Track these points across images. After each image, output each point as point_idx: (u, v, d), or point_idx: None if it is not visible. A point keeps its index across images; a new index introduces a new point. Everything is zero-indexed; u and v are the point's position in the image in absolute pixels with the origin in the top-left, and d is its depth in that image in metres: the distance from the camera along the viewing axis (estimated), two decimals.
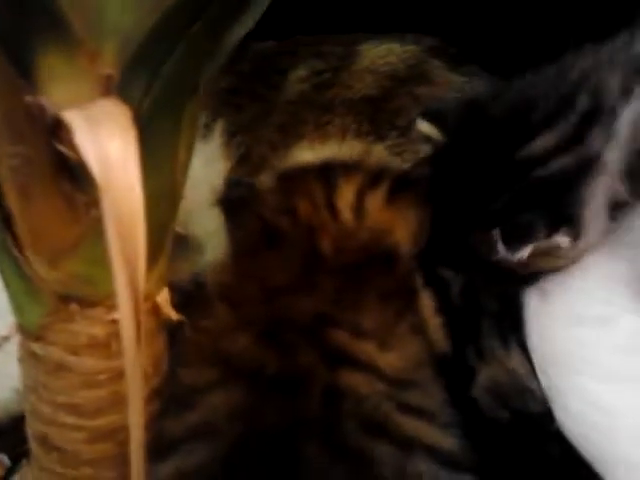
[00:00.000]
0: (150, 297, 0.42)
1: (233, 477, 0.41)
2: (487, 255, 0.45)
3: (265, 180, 0.53)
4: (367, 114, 0.60)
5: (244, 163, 0.60)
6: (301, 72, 0.63)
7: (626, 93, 0.44)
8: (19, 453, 0.63)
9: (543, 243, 0.43)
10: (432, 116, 0.50)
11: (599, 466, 0.43)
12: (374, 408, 0.41)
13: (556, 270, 0.45)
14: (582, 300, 0.44)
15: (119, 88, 0.34)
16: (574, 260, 0.45)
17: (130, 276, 0.31)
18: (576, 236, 0.43)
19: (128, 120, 0.32)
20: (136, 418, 0.35)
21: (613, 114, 0.44)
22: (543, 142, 0.45)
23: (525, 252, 0.43)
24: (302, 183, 0.51)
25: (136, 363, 0.33)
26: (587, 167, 0.44)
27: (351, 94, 0.62)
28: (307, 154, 0.58)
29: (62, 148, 0.33)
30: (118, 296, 0.32)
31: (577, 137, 0.44)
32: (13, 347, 0.63)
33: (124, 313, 0.32)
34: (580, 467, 0.44)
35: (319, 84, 0.63)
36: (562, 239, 0.43)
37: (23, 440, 0.63)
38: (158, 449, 0.40)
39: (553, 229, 0.43)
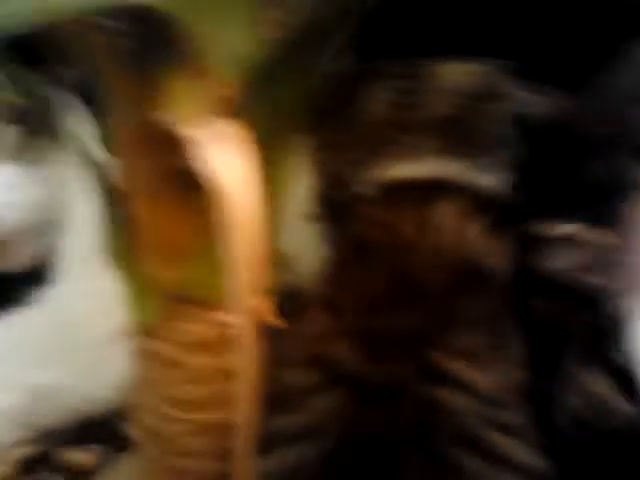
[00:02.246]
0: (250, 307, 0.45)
1: (333, 476, 0.43)
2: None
3: (364, 191, 0.55)
4: (448, 133, 0.62)
5: (329, 180, 0.62)
6: (381, 93, 0.66)
7: None
8: (112, 446, 0.68)
9: None
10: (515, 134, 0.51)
11: None
12: (466, 423, 0.43)
13: None
14: None
15: (238, 110, 0.37)
16: None
17: (244, 282, 0.34)
18: None
19: (246, 139, 0.35)
20: (245, 414, 0.38)
21: None
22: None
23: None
24: (403, 198, 0.53)
25: (249, 363, 0.36)
26: None
27: (431, 114, 0.63)
28: (396, 172, 0.60)
29: (185, 163, 0.37)
30: (234, 300, 0.35)
31: None
32: (112, 348, 0.68)
33: (239, 316, 0.35)
34: None
35: (400, 105, 0.65)
36: None
37: (116, 434, 0.68)
38: (264, 444, 0.43)
39: None
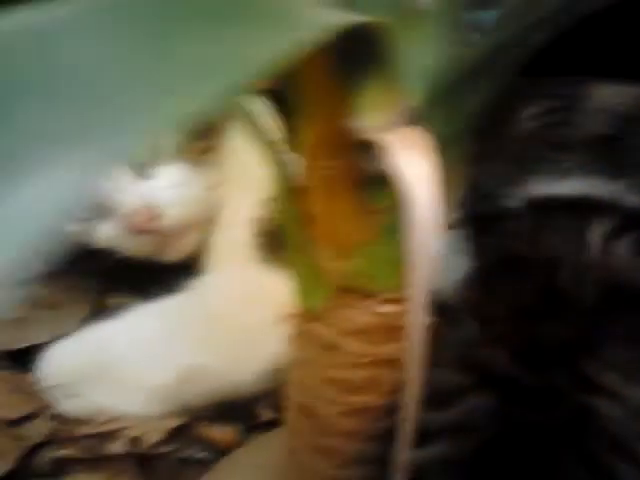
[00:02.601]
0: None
1: (483, 473, 0.46)
2: None
3: (512, 206, 0.58)
4: (601, 153, 0.64)
5: (477, 193, 0.65)
6: (533, 110, 0.68)
7: None
8: (250, 426, 0.73)
9: None
10: None
11: None
12: (621, 434, 0.45)
13: None
14: None
15: (422, 119, 0.41)
16: None
17: (421, 278, 0.38)
18: None
19: (429, 146, 0.39)
20: (411, 403, 0.41)
21: None
22: None
23: None
24: (553, 214, 0.56)
25: (417, 354, 0.39)
26: None
27: (584, 133, 0.65)
28: (546, 189, 0.62)
29: (369, 165, 0.41)
30: (411, 295, 0.38)
31: None
32: (259, 335, 0.73)
33: (412, 309, 0.38)
34: None
35: (551, 122, 0.67)
36: None
37: (255, 415, 0.73)
38: (418, 437, 0.46)
39: None
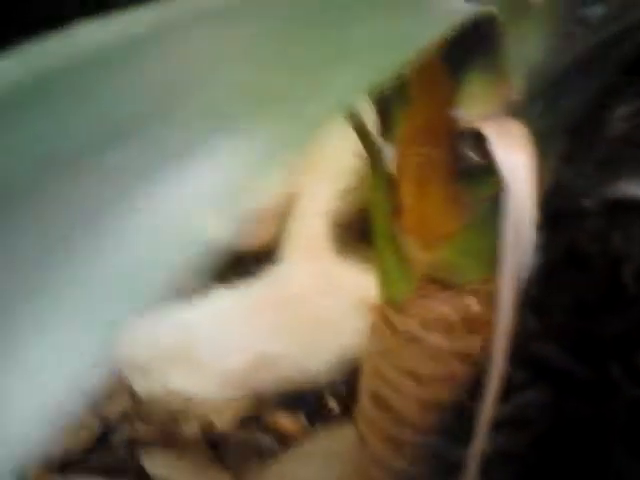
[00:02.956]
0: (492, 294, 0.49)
1: (540, 464, 0.46)
2: None
3: (591, 205, 0.57)
4: None
5: (556, 189, 0.64)
6: (626, 110, 0.67)
7: None
8: (320, 416, 0.73)
9: None
10: None
11: None
12: None
13: None
14: None
15: (519, 112, 0.41)
16: None
17: (513, 268, 0.38)
18: None
19: (527, 137, 0.39)
20: (490, 398, 0.41)
21: None
22: None
23: None
24: (626, 214, 0.55)
25: (501, 346, 0.39)
26: None
27: None
28: (626, 190, 0.61)
29: (468, 153, 0.41)
30: (500, 286, 0.38)
31: None
32: (333, 326, 0.73)
33: (502, 301, 0.38)
34: None
35: None
36: None
37: (324, 406, 0.74)
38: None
39: None
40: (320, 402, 0.74)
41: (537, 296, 0.53)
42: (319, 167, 0.82)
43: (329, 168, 0.80)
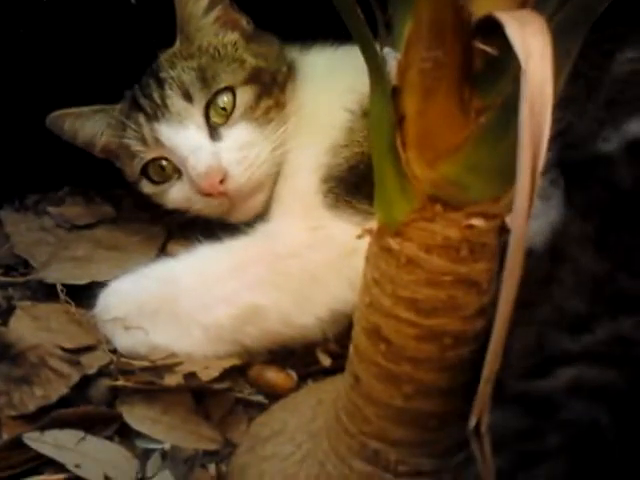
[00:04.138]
0: (499, 216, 0.47)
1: (614, 401, 0.44)
2: None
3: (606, 150, 0.55)
4: None
5: (564, 136, 0.62)
6: (630, 54, 0.65)
7: None
8: (305, 373, 0.71)
9: None
10: None
11: None
12: None
13: None
14: None
15: (535, 4, 0.39)
16: None
17: (533, 159, 0.36)
18: None
19: (545, 25, 0.37)
20: (501, 327, 0.38)
21: None
22: None
23: None
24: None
25: (516, 267, 0.37)
26: None
27: None
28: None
29: (482, 46, 0.39)
30: (519, 180, 0.36)
31: None
32: (323, 280, 0.71)
33: (521, 199, 0.36)
34: None
35: None
36: None
37: (311, 363, 0.71)
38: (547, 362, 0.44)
39: None
40: (311, 357, 0.71)
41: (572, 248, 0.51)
42: (307, 123, 0.80)
43: (317, 124, 0.78)
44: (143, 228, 0.89)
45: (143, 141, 0.81)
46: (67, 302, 0.78)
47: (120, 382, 0.69)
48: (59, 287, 0.79)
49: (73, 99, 0.86)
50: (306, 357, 0.71)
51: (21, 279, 0.83)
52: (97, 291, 0.76)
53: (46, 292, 0.80)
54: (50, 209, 0.93)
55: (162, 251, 0.86)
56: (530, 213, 0.37)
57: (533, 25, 0.36)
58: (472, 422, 0.39)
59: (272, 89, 0.81)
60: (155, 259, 0.83)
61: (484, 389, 0.40)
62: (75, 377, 0.69)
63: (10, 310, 0.78)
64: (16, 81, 0.87)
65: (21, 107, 0.88)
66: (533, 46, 0.35)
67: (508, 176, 0.44)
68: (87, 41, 0.86)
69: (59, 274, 0.81)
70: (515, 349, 0.46)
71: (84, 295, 0.78)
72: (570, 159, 0.56)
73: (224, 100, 0.78)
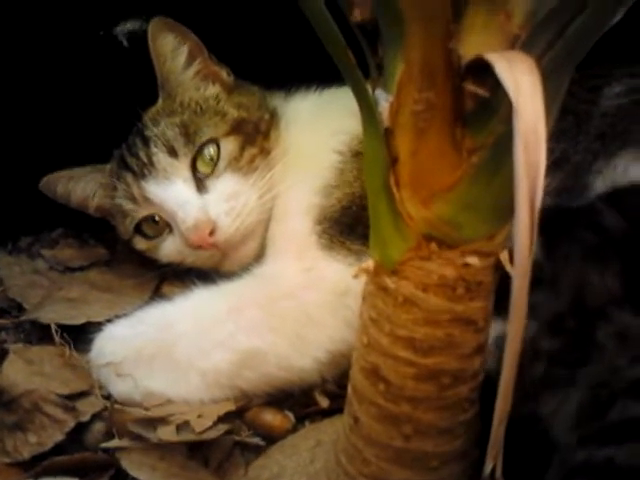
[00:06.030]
0: (494, 254, 0.47)
1: None
2: None
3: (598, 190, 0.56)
4: None
5: (559, 167, 0.63)
6: (617, 89, 0.67)
7: None
8: (303, 414, 0.70)
9: None
10: None
11: None
12: None
13: None
14: None
15: (524, 45, 0.39)
16: None
17: (530, 195, 0.36)
18: None
19: (535, 65, 0.37)
20: (510, 365, 0.38)
21: None
22: None
23: None
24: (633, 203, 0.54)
25: (521, 306, 0.36)
26: None
27: None
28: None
29: (472, 87, 0.39)
30: (517, 217, 0.36)
31: None
32: (319, 321, 0.71)
33: (521, 235, 0.36)
34: None
35: (636, 99, 0.66)
36: None
37: (309, 404, 0.71)
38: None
39: None
40: (308, 398, 0.70)
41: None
42: (295, 166, 0.80)
43: (306, 166, 0.79)
44: (137, 270, 0.88)
45: (133, 200, 0.81)
46: (62, 343, 0.78)
47: (113, 442, 0.68)
48: (53, 327, 0.78)
49: (64, 146, 0.87)
50: (304, 398, 0.71)
51: (14, 321, 0.83)
52: (91, 334, 0.76)
53: (39, 334, 0.80)
54: (43, 251, 0.93)
55: (156, 293, 0.86)
56: (532, 249, 0.37)
57: (522, 64, 0.37)
58: (488, 468, 0.39)
59: (256, 138, 0.81)
60: (149, 301, 0.82)
61: (497, 432, 0.39)
62: (70, 423, 0.68)
63: (3, 354, 0.77)
64: (8, 128, 0.88)
65: (14, 149, 0.88)
66: (523, 84, 0.36)
67: (502, 214, 0.45)
68: (77, 95, 0.87)
69: (53, 314, 0.81)
70: (565, 411, 0.46)
71: (78, 338, 0.78)
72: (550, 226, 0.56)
73: (210, 152, 0.79)
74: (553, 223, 0.54)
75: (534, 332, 0.49)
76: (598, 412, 0.45)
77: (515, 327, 0.37)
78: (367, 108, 0.45)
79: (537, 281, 0.38)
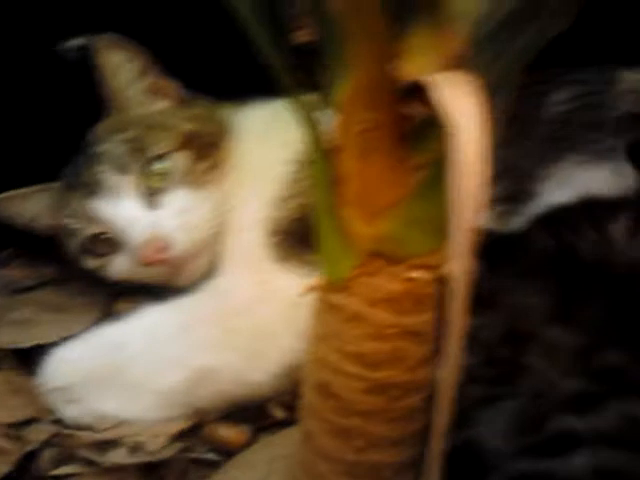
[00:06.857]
0: (440, 267, 0.48)
1: None
2: None
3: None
4: (636, 132, 0.64)
5: (507, 174, 0.64)
6: (562, 95, 0.69)
7: None
8: (259, 427, 0.70)
9: None
10: None
11: None
12: None
13: None
14: None
15: (469, 63, 0.40)
16: None
17: (465, 223, 0.37)
18: None
19: (472, 84, 0.38)
20: (449, 374, 0.39)
21: None
22: None
23: None
24: (568, 224, 0.56)
25: (460, 317, 0.38)
26: None
27: (616, 114, 0.66)
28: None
29: (411, 109, 0.40)
30: (452, 244, 0.37)
31: None
32: (273, 335, 0.71)
33: (457, 262, 0.37)
34: None
35: (582, 105, 0.68)
36: None
37: (265, 417, 0.71)
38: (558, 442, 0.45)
39: None
40: (264, 410, 0.71)
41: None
42: (247, 178, 0.80)
43: (258, 178, 0.79)
44: (87, 289, 0.88)
45: (81, 218, 0.80)
46: (9, 368, 0.77)
47: (63, 469, 0.67)
48: None
49: (10, 166, 0.86)
50: (259, 411, 0.71)
51: None
52: (40, 357, 0.75)
53: None
54: None
55: (108, 311, 0.85)
56: (470, 262, 0.38)
57: (460, 86, 0.38)
58: None
59: (207, 151, 0.80)
60: (101, 319, 0.82)
61: (436, 447, 0.40)
62: (17, 454, 0.67)
63: None
64: None
65: None
66: (460, 107, 0.37)
67: (444, 229, 0.46)
68: (23, 112, 0.86)
69: (1, 338, 0.79)
70: (499, 427, 0.47)
71: (26, 362, 0.76)
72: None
73: (160, 167, 0.78)
74: (493, 247, 0.56)
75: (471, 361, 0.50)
76: (534, 425, 0.46)
77: (453, 340, 0.38)
78: (310, 128, 0.46)
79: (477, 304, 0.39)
